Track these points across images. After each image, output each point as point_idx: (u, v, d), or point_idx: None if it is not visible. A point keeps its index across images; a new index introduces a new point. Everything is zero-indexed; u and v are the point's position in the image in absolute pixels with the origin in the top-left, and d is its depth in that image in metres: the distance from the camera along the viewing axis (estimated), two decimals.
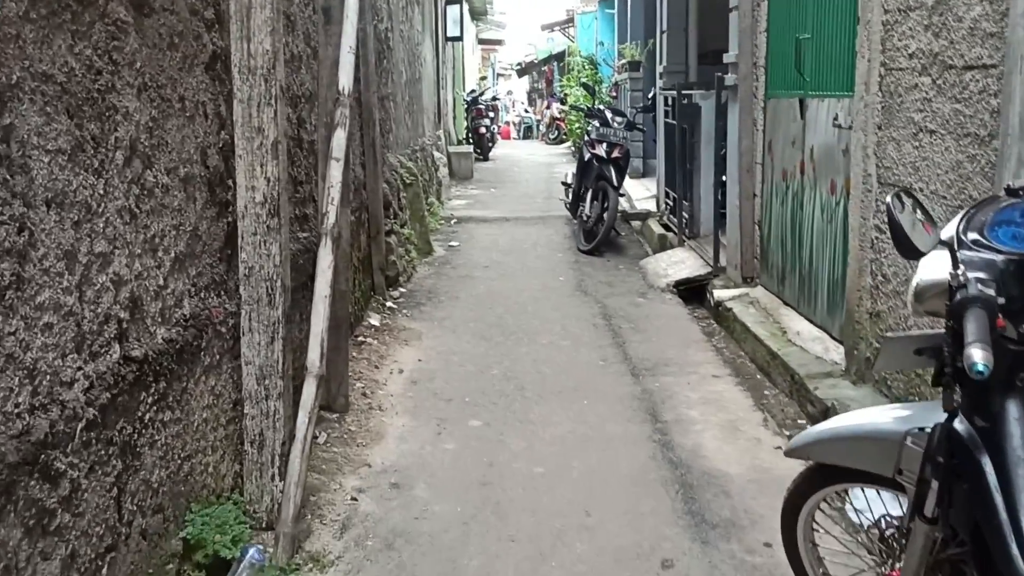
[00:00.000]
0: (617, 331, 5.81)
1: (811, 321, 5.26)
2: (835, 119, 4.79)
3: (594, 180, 8.42)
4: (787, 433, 4.15)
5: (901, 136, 3.97)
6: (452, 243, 8.79)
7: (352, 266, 5.57)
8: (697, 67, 9.56)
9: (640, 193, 11.14)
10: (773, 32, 5.89)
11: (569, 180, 9.74)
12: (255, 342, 2.94)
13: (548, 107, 26.08)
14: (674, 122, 8.38)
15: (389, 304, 6.33)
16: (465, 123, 18.67)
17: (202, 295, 2.75)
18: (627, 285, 7.11)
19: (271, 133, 2.88)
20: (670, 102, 8.82)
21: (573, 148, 18.87)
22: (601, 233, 8.07)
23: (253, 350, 2.95)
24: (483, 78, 23.73)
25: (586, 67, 19.23)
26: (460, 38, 17.10)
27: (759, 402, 4.57)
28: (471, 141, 18.11)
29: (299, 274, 3.91)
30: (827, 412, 4.28)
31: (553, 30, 25.93)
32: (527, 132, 32.85)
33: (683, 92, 7.87)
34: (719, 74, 6.61)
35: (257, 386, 2.96)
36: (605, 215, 8.15)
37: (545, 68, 32.19)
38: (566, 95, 23.99)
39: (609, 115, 8.53)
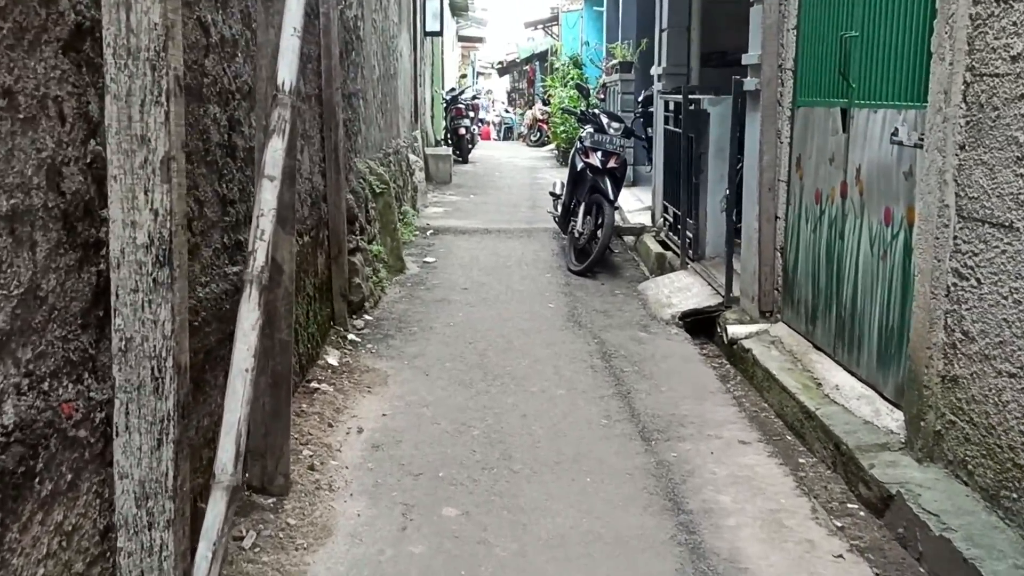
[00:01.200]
0: (619, 376, 4.94)
1: (853, 373, 4.41)
2: (894, 134, 3.94)
3: (587, 192, 7.55)
4: (840, 524, 3.30)
5: (996, 160, 3.12)
6: (428, 259, 7.88)
7: (305, 297, 4.65)
8: (700, 69, 8.72)
9: (632, 204, 10.28)
10: (806, 29, 5.04)
11: (558, 190, 8.86)
12: (134, 446, 2.03)
13: (531, 108, 25.21)
14: (676, 130, 7.53)
15: (351, 336, 5.42)
16: (444, 123, 17.76)
17: (45, 387, 1.83)
18: (626, 315, 6.24)
19: (161, 144, 1.97)
20: (671, 107, 7.97)
21: (557, 152, 18.02)
22: (595, 253, 7.21)
23: (131, 458, 2.04)
24: (463, 76, 22.80)
25: (571, 67, 18.39)
26: (440, 33, 16.19)
27: (799, 480, 3.71)
28: (450, 142, 17.19)
29: (225, 324, 3.00)
30: (889, 500, 3.44)
31: (536, 28, 25.08)
32: (507, 133, 31.98)
33: (689, 97, 7.02)
34: (737, 77, 5.76)
35: (136, 509, 2.05)
36: (599, 232, 7.29)
37: (527, 68, 31.33)
38: (550, 96, 23.15)
39: (605, 120, 7.66)
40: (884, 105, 4.07)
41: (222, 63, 3.18)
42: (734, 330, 5.49)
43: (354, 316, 5.80)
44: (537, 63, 29.43)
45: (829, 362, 4.67)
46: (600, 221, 7.36)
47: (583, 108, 8.00)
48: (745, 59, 5.69)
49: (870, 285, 4.22)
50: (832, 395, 4.33)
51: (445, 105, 17.42)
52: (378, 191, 7.10)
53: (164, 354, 2.02)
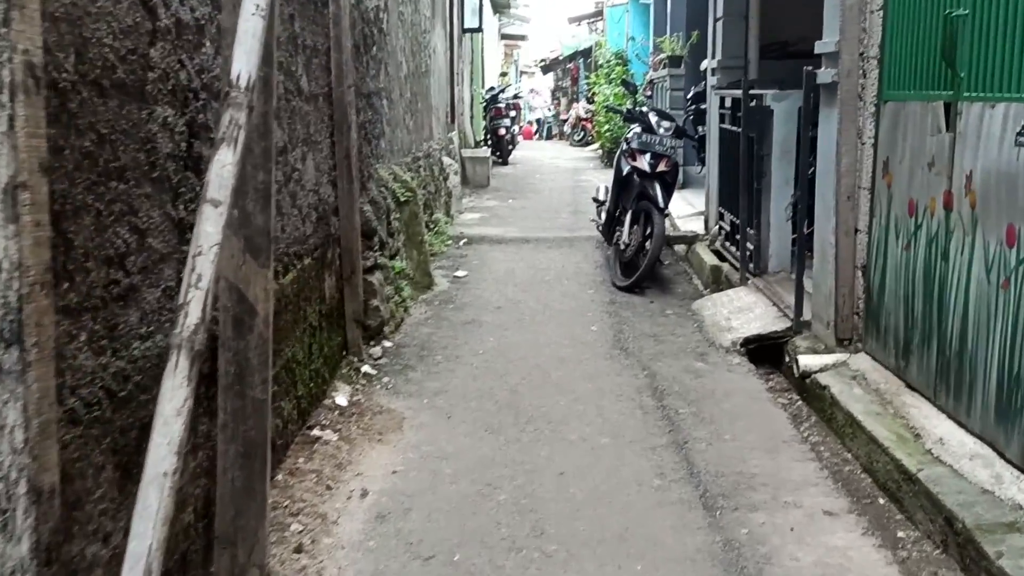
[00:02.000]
0: (674, 419, 4.21)
1: (961, 424, 3.63)
2: (1021, 134, 3.16)
3: (635, 199, 6.82)
4: None
5: None
6: (458, 272, 7.21)
7: (308, 329, 4.01)
8: (759, 62, 7.93)
9: (682, 209, 9.51)
10: (895, 10, 4.27)
11: (601, 196, 8.13)
12: None
13: (574, 106, 24.46)
14: (734, 128, 6.76)
15: (366, 368, 4.77)
16: (483, 123, 17.11)
17: None
18: (680, 340, 5.50)
19: (4, 167, 1.31)
20: (728, 104, 7.20)
21: (601, 151, 17.26)
22: (643, 267, 6.47)
23: None
24: (504, 74, 22.12)
25: (615, 63, 17.62)
26: (479, 29, 15.53)
27: (903, 566, 2.96)
28: (489, 143, 16.53)
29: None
30: None
31: (580, 24, 24.31)
32: (550, 132, 31.25)
33: (750, 92, 6.25)
34: (808, 68, 4.99)
35: None
36: (648, 244, 6.55)
37: (571, 65, 30.54)
38: (594, 94, 22.39)
39: (654, 119, 6.91)
40: (1006, 98, 3.29)
41: (177, 54, 2.53)
42: (807, 361, 4.72)
43: (371, 343, 5.16)
44: (581, 60, 28.64)
45: (928, 407, 3.89)
46: (649, 231, 6.63)
47: (629, 106, 7.26)
48: (819, 47, 4.92)
49: (986, 319, 3.44)
50: (936, 451, 3.56)
51: (484, 105, 16.77)
52: (403, 200, 6.45)
53: (13, 475, 1.36)
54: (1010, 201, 3.26)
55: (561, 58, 30.64)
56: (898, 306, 4.23)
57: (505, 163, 15.99)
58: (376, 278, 5.28)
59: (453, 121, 12.60)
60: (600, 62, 17.74)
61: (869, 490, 3.58)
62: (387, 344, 5.24)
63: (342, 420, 4.04)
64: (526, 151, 19.28)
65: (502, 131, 15.83)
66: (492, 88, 17.92)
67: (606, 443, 3.92)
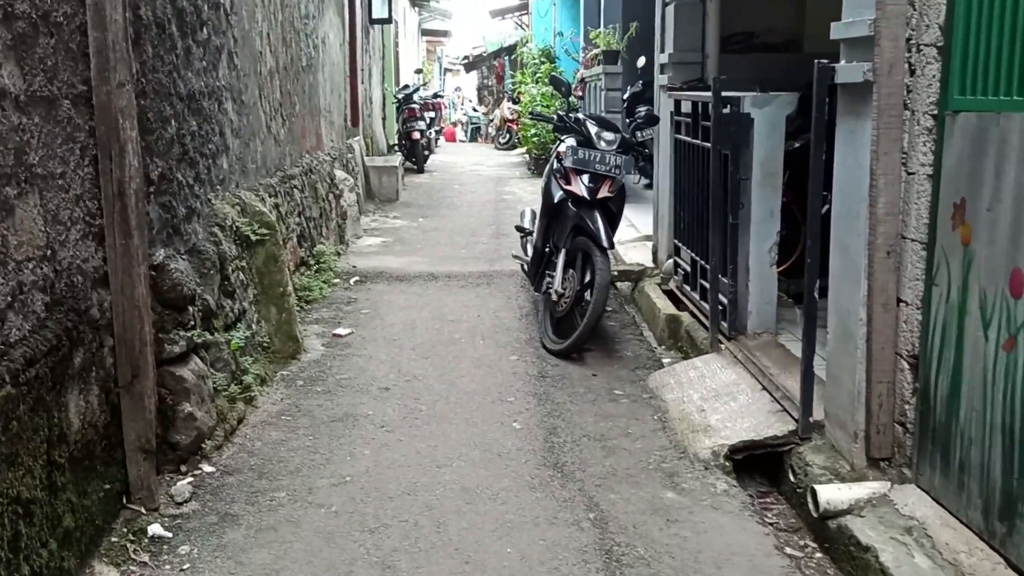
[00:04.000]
0: None
1: None
2: None
3: (570, 234, 5.19)
4: None
5: None
6: (340, 330, 5.49)
7: (23, 495, 2.25)
8: (719, 56, 6.41)
9: (624, 233, 7.90)
10: None
11: (527, 224, 6.49)
12: None
13: (499, 106, 22.83)
14: (697, 142, 5.19)
15: (155, 529, 3.02)
16: (396, 126, 15.33)
17: None
18: (638, 446, 3.89)
19: None
20: (686, 109, 5.64)
21: (528, 159, 15.67)
22: (582, 328, 4.86)
23: None
24: (419, 71, 20.29)
25: (541, 60, 16.04)
26: (389, 20, 13.77)
27: None
28: (403, 148, 14.76)
29: None
30: None
31: (504, 18, 22.69)
32: (475, 133, 29.57)
33: (722, 95, 4.68)
34: (823, 63, 3.41)
35: None
36: (588, 295, 4.93)
37: (496, 62, 28.94)
38: (519, 94, 20.86)
39: (593, 129, 5.27)
40: None
41: None
42: (829, 495, 3.16)
43: (180, 470, 3.41)
44: (507, 57, 27.05)
45: None
46: (588, 278, 5.01)
47: (561, 111, 5.59)
48: (837, 30, 3.37)
49: None
50: None
51: (397, 105, 14.99)
52: (256, 238, 4.70)
53: None
54: None
55: (485, 55, 29.03)
56: (989, 434, 2.68)
57: (421, 171, 14.25)
58: (191, 369, 3.53)
59: (356, 124, 10.84)
60: (526, 59, 16.13)
61: None
62: (206, 469, 3.49)
63: None
64: (447, 155, 17.56)
65: (416, 135, 14.06)
66: (406, 87, 16.14)
67: None
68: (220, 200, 4.47)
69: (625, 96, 9.88)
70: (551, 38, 17.94)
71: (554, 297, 5.15)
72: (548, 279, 5.31)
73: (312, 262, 6.52)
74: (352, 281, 6.74)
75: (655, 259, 6.72)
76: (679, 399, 4.33)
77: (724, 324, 4.78)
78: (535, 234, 5.89)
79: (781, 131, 4.55)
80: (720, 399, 4.17)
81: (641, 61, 10.08)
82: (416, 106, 14.24)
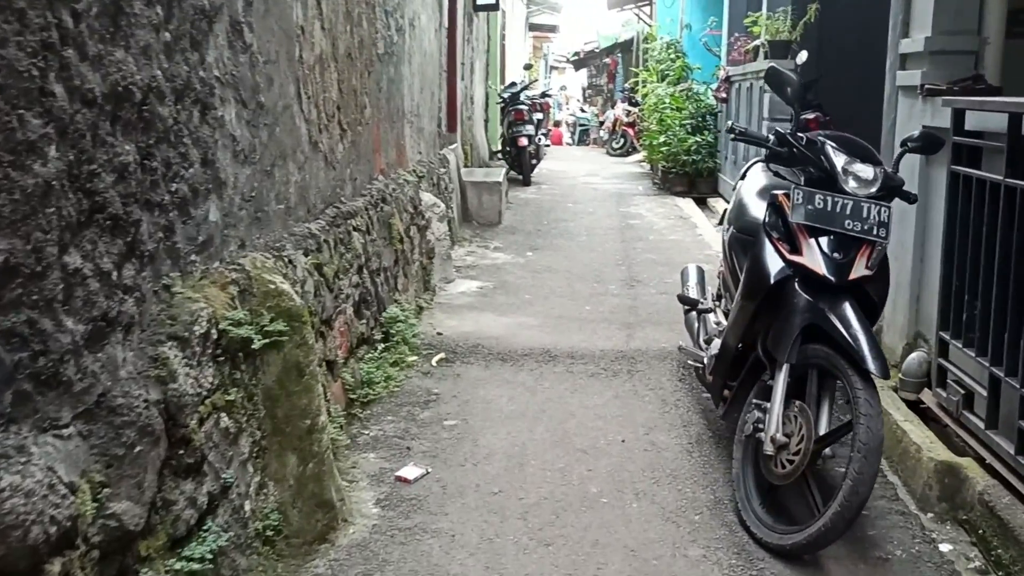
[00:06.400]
0: None
1: None
2: None
3: (798, 337, 2.99)
4: None
5: None
6: (406, 471, 3.46)
7: None
8: (1002, 41, 4.14)
9: None
10: None
11: (693, 290, 4.36)
12: None
13: (612, 107, 20.62)
14: (1018, 182, 2.96)
15: None
16: (500, 129, 13.35)
17: None
18: None
19: None
20: (980, 126, 3.40)
21: (653, 171, 13.44)
22: (829, 517, 2.67)
23: None
24: (528, 66, 18.26)
25: (669, 56, 13.75)
26: (496, 7, 11.81)
27: None
28: (507, 156, 12.76)
29: None
30: None
31: (623, 8, 20.45)
32: (584, 136, 27.40)
33: None
34: None
35: None
36: (850, 467, 2.73)
37: (608, 60, 26.71)
38: (640, 94, 18.62)
39: (839, 160, 3.02)
40: None
41: None
42: None
43: None
44: (620, 54, 24.80)
45: None
46: (830, 417, 2.84)
47: (779, 128, 3.30)
48: None
49: None
50: None
51: (502, 105, 12.99)
52: (264, 342, 2.73)
53: None
54: None
55: (598, 50, 26.84)
56: None
57: (527, 183, 12.21)
58: None
59: (454, 129, 8.89)
60: (656, 53, 13.87)
61: None
62: None
63: None
64: (555, 162, 15.43)
65: (523, 140, 12.01)
66: (512, 84, 14.12)
67: None
68: (197, 281, 2.51)
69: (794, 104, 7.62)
70: (677, 31, 15.64)
71: (768, 448, 2.98)
72: (754, 412, 3.14)
73: (378, 335, 4.55)
74: (435, 361, 4.73)
75: (901, 361, 4.46)
76: None
77: None
78: (725, 321, 3.76)
79: None
80: None
81: (802, 56, 7.82)
82: (524, 108, 12.20)
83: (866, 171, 3.12)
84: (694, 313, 4.26)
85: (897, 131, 4.48)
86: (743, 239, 3.70)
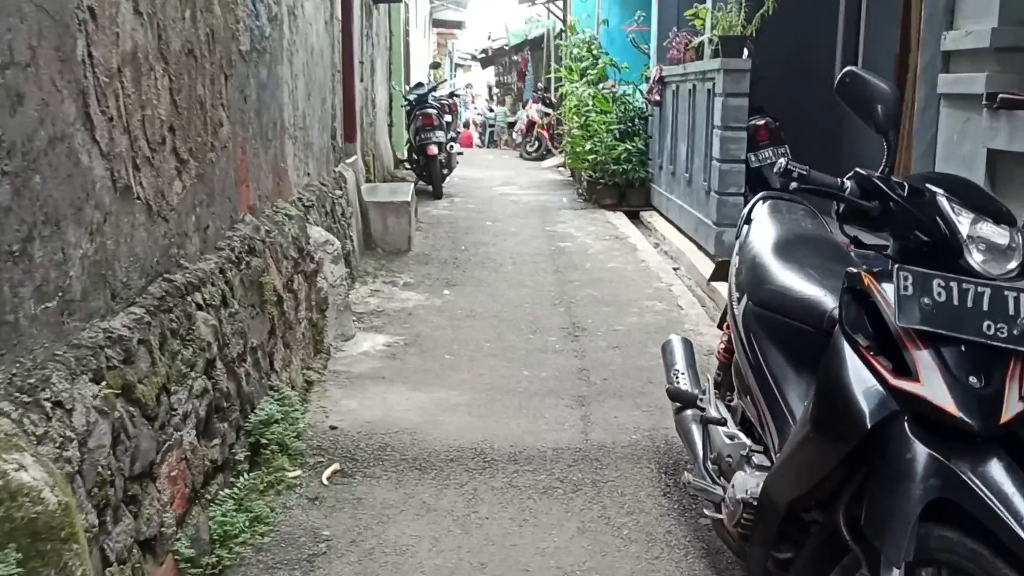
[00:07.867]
0: None
1: None
2: None
3: (911, 519, 1.83)
4: None
5: None
6: None
7: None
8: None
9: None
10: None
11: (684, 380, 3.19)
12: None
13: (526, 107, 19.44)
14: None
15: None
16: (407, 136, 12.00)
17: None
18: None
19: None
20: None
21: (571, 174, 12.31)
22: None
23: None
24: (436, 65, 16.89)
25: (585, 53, 12.63)
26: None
27: None
28: (415, 165, 11.43)
29: None
30: None
31: (534, 3, 19.31)
32: (492, 137, 26.20)
33: None
34: None
35: None
36: None
37: (517, 57, 25.60)
38: (549, 93, 17.62)
39: (963, 222, 1.88)
40: None
41: None
42: None
43: None
44: (530, 52, 23.70)
45: None
46: None
47: (865, 173, 2.12)
48: None
49: None
50: None
51: (407, 109, 11.63)
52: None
53: None
54: None
55: (507, 48, 25.67)
56: None
57: (438, 195, 10.89)
58: None
59: (352, 139, 7.53)
60: (574, 50, 12.73)
61: None
62: None
63: None
64: (467, 168, 14.10)
65: (433, 149, 10.68)
66: (419, 84, 12.77)
67: None
68: None
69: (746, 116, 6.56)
70: (594, 27, 14.57)
71: None
72: None
73: (242, 452, 3.20)
74: (326, 476, 3.41)
75: None
76: None
77: None
78: (739, 433, 2.59)
79: None
80: None
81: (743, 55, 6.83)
82: (433, 111, 10.87)
83: (999, 235, 1.96)
84: (689, 413, 3.05)
85: (940, 153, 3.39)
86: (770, 318, 2.54)
